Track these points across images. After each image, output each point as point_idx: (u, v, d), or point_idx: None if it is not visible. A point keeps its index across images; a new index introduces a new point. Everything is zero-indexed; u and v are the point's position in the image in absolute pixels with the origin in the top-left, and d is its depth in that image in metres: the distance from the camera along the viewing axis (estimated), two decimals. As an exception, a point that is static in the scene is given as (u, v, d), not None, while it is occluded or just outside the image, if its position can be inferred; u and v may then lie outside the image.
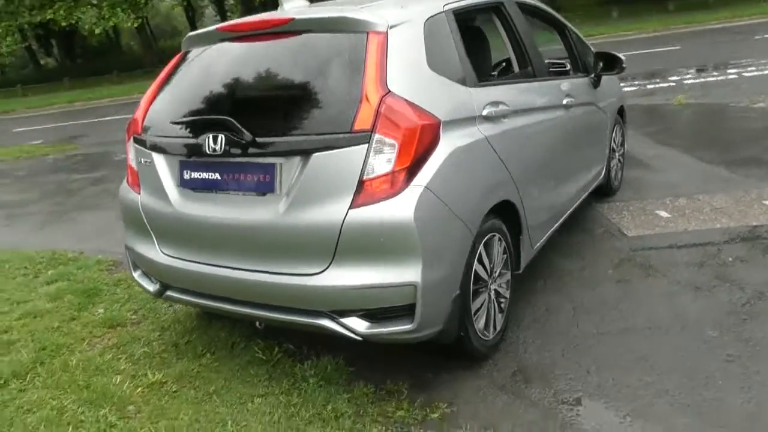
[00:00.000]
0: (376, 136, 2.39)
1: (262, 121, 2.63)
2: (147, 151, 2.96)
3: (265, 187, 2.60)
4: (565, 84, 3.89)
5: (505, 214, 3.01)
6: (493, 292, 2.93)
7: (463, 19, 3.09)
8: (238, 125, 2.55)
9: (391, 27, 2.59)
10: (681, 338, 2.95)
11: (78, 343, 3.41)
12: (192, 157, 2.76)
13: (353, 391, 2.75)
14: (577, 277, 3.70)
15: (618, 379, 2.71)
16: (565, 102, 3.69)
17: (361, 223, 2.41)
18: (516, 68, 3.54)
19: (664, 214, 4.56)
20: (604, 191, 4.96)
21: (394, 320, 2.50)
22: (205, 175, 2.76)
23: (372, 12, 2.64)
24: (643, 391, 2.61)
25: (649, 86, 10.68)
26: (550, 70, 4.58)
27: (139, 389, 2.89)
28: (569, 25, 4.36)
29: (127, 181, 3.15)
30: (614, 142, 4.93)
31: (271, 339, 3.23)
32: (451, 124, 2.62)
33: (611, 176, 4.92)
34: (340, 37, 2.65)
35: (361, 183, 2.41)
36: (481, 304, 2.83)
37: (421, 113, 2.48)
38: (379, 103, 2.40)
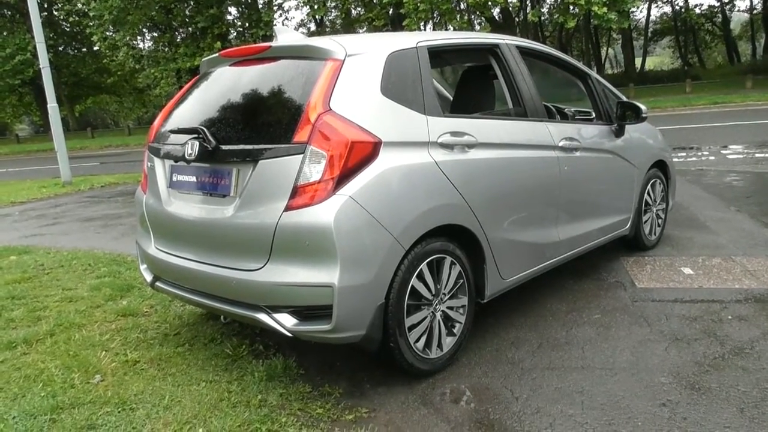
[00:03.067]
0: (311, 147, 2.64)
1: (230, 132, 2.96)
2: (152, 156, 3.39)
3: (225, 190, 2.92)
4: (566, 127, 3.93)
5: (463, 240, 3.11)
6: (440, 313, 3.03)
7: (444, 56, 3.28)
8: (207, 134, 2.90)
9: (349, 56, 2.85)
10: (628, 381, 2.87)
11: (90, 324, 3.85)
12: (179, 161, 3.14)
13: (289, 388, 2.93)
14: (561, 318, 3.65)
15: (542, 408, 2.69)
16: (562, 144, 3.73)
17: (291, 225, 2.64)
18: (510, 106, 3.67)
19: (688, 270, 4.38)
20: (633, 244, 4.84)
21: (316, 319, 2.68)
22: (186, 178, 3.13)
23: (335, 42, 2.92)
24: (561, 421, 2.58)
25: (758, 155, 10.13)
26: (571, 115, 4.62)
27: (114, 364, 3.24)
28: (593, 74, 4.39)
29: (141, 184, 3.60)
30: (649, 196, 4.81)
31: (245, 338, 3.49)
32: (396, 145, 2.80)
33: (642, 231, 4.79)
34: (305, 62, 2.95)
35: (295, 189, 2.66)
36: (420, 321, 2.93)
37: (358, 131, 2.69)
38: (317, 119, 2.66)
